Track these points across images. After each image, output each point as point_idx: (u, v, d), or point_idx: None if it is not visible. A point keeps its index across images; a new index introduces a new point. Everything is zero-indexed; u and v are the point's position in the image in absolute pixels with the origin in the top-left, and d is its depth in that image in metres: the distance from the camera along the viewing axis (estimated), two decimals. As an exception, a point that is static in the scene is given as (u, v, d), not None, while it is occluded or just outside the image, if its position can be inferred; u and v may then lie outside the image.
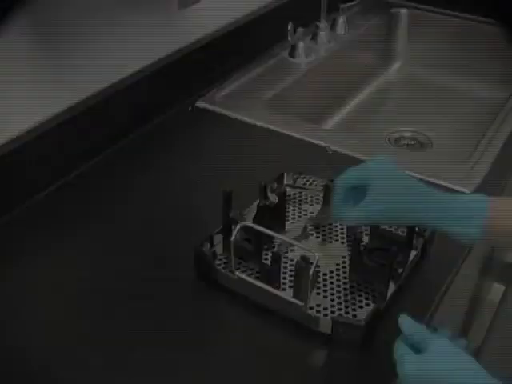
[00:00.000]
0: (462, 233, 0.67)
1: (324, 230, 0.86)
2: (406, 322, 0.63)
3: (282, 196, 0.84)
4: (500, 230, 0.68)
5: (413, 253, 0.79)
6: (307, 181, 0.93)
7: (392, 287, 0.74)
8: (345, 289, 0.76)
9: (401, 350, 0.61)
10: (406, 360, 0.60)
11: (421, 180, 0.71)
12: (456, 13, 1.50)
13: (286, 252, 0.81)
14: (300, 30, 1.29)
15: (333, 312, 0.73)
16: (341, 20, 1.43)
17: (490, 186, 0.94)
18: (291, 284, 0.75)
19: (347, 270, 0.78)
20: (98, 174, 0.98)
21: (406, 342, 0.62)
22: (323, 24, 1.37)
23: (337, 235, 0.85)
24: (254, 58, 1.32)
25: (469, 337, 1.64)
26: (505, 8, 0.30)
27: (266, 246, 0.81)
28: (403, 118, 1.42)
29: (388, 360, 0.61)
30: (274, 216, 0.83)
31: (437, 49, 1.55)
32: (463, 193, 0.93)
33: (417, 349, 0.61)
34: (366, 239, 0.82)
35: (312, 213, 0.88)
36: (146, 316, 0.74)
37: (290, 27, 1.25)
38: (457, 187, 0.94)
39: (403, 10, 1.56)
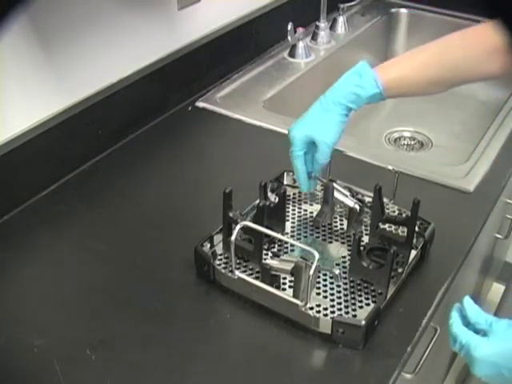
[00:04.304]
0: None
1: (324, 230, 0.86)
2: (470, 307, 0.64)
3: (282, 196, 0.84)
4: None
5: (413, 253, 0.79)
6: (307, 181, 0.93)
7: (392, 287, 0.74)
8: (345, 289, 0.76)
9: (466, 336, 0.62)
10: (477, 344, 0.60)
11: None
12: (456, 13, 1.50)
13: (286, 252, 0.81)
14: (300, 30, 1.29)
15: (333, 312, 0.73)
16: (340, 20, 1.44)
17: (489, 186, 0.94)
18: (291, 284, 0.75)
19: (347, 270, 0.78)
20: (98, 173, 0.99)
21: (465, 325, 0.63)
22: (323, 24, 1.38)
23: (337, 235, 0.85)
24: (254, 58, 1.32)
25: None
26: (505, 8, 0.30)
27: (265, 246, 0.81)
28: (403, 117, 1.42)
29: (387, 360, 0.61)
30: (273, 216, 0.83)
31: (437, 49, 1.54)
32: (463, 192, 0.93)
33: (476, 330, 0.62)
34: (365, 239, 0.82)
35: (312, 213, 0.88)
36: (146, 315, 0.74)
37: (289, 27, 1.25)
38: (457, 187, 0.93)
39: (403, 10, 1.56)
